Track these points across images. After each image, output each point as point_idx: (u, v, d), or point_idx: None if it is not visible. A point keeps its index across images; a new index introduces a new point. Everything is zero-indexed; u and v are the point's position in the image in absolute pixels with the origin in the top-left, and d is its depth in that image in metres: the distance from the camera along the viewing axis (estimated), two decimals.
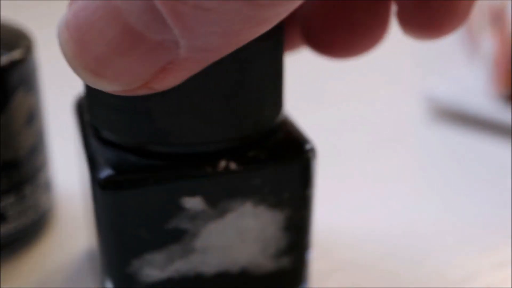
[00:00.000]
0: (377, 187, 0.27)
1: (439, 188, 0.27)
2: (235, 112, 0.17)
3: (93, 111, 0.18)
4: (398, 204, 0.26)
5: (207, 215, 0.18)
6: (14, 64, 0.21)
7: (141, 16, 0.11)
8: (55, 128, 0.31)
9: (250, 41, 0.13)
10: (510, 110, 0.31)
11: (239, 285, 0.19)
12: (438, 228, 0.25)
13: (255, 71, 0.17)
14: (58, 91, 0.35)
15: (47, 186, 0.24)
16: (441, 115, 0.33)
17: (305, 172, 0.18)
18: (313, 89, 0.36)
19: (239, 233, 0.18)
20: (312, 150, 0.18)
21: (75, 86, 0.35)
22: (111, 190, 0.17)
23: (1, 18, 0.44)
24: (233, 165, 0.17)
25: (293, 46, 0.20)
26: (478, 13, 0.36)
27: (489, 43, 0.33)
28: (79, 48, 0.12)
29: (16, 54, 0.21)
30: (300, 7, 0.19)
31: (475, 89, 0.33)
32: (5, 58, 0.21)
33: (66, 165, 0.28)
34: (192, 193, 0.17)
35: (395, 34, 0.43)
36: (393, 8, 0.18)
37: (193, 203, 0.17)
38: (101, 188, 0.17)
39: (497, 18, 0.33)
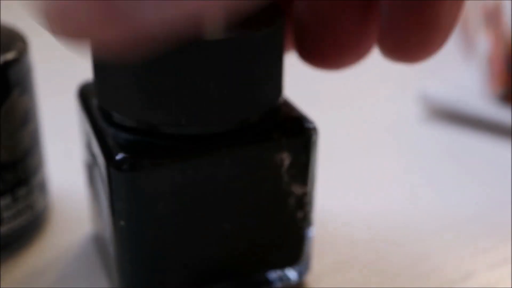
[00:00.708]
0: (373, 186, 0.27)
1: (436, 187, 0.27)
2: (244, 93, 0.17)
3: (104, 95, 0.18)
4: (394, 203, 0.26)
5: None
6: (8, 65, 0.21)
7: None
8: (51, 129, 0.31)
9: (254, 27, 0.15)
10: (506, 110, 0.31)
11: (245, 253, 0.20)
12: (434, 227, 0.25)
13: (261, 55, 0.17)
14: (53, 92, 0.35)
15: (42, 187, 0.24)
16: (436, 115, 0.33)
17: (308, 149, 0.19)
18: (310, 88, 0.36)
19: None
20: (314, 129, 0.19)
21: (70, 88, 0.35)
22: (128, 172, 0.17)
23: None
24: (244, 144, 0.18)
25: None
26: (473, 13, 0.36)
27: (484, 43, 0.33)
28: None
29: (10, 55, 0.21)
30: (292, 13, 0.19)
31: (470, 89, 0.33)
32: (0, 59, 0.21)
33: (61, 166, 0.28)
34: (207, 173, 0.18)
35: None
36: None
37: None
38: (117, 169, 0.17)
39: (492, 18, 0.33)
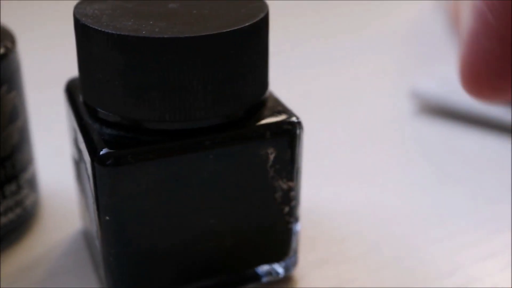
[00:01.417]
0: (365, 182, 0.27)
1: (428, 182, 0.27)
2: (228, 88, 0.17)
3: (88, 91, 0.18)
4: (386, 198, 0.26)
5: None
6: None
7: None
8: (39, 125, 0.31)
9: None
10: (497, 105, 0.31)
11: (231, 249, 0.20)
12: (422, 221, 0.25)
13: (244, 50, 0.17)
14: (42, 88, 0.35)
15: (32, 184, 0.24)
16: (428, 111, 0.33)
17: (293, 144, 0.19)
18: (301, 85, 0.36)
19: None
20: (298, 123, 0.19)
21: (59, 84, 0.35)
22: (112, 167, 0.17)
23: None
24: (228, 139, 0.18)
25: None
26: (466, 8, 0.36)
27: None
28: None
29: None
30: None
31: None
32: None
33: (50, 162, 0.28)
34: (191, 168, 0.18)
35: (382, 31, 0.43)
36: None
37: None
38: (101, 165, 0.17)
39: None
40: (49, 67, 0.38)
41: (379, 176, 0.28)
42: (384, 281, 0.22)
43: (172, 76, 0.17)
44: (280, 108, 0.20)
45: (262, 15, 0.18)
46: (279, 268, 0.21)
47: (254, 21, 0.17)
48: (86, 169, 0.18)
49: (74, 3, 0.19)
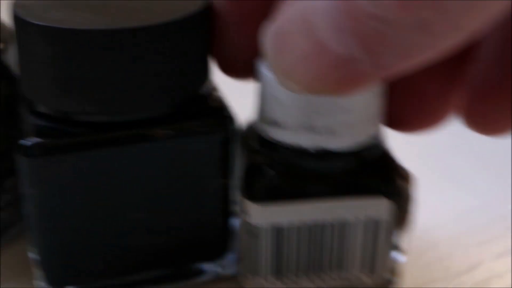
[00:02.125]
0: None
1: (441, 178, 0.27)
2: (153, 82, 0.17)
3: (25, 83, 0.18)
4: None
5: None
6: None
7: (331, 32, 0.12)
8: None
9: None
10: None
11: (166, 244, 0.19)
12: (440, 218, 0.24)
13: (179, 45, 0.17)
14: None
15: None
16: None
17: (226, 141, 0.18)
18: None
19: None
20: (231, 119, 0.18)
21: None
22: (36, 158, 0.17)
23: None
24: (157, 133, 0.18)
25: None
26: None
27: None
28: (277, 54, 0.14)
29: None
30: None
31: None
32: None
33: None
34: (117, 161, 0.18)
35: None
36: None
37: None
38: (26, 155, 0.17)
39: None
40: None
41: None
42: (403, 277, 0.21)
43: (96, 69, 0.16)
44: (216, 104, 0.19)
45: (197, 10, 0.17)
46: (217, 267, 0.20)
47: (185, 15, 0.17)
48: (16, 159, 0.18)
49: None
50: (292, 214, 0.18)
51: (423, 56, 0.12)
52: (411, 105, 0.19)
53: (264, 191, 0.18)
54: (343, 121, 0.17)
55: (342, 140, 0.18)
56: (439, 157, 0.29)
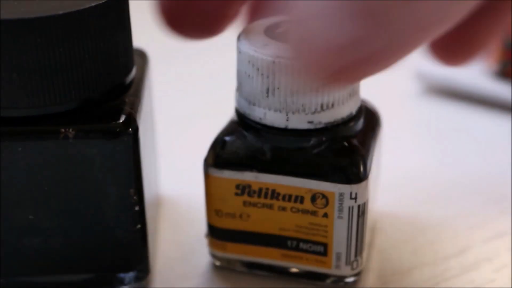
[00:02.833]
0: None
1: (432, 163, 0.27)
2: (36, 78, 0.16)
3: None
4: (389, 179, 0.26)
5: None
6: None
7: (343, 15, 0.12)
8: None
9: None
10: (502, 85, 0.31)
11: (63, 250, 0.18)
12: (429, 201, 0.25)
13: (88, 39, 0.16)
14: None
15: None
16: (433, 91, 0.33)
17: (125, 148, 0.17)
18: None
19: None
20: (127, 125, 0.17)
21: None
22: None
23: None
24: (39, 133, 0.17)
25: None
26: None
27: None
28: (303, 46, 0.13)
29: None
30: None
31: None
32: None
33: None
34: (5, 159, 0.17)
35: None
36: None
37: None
38: None
39: None
40: None
41: (385, 157, 0.28)
42: (391, 261, 0.22)
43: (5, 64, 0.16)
44: (119, 107, 0.17)
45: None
46: (127, 277, 0.19)
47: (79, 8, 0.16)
48: None
49: None
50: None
51: (442, 27, 0.12)
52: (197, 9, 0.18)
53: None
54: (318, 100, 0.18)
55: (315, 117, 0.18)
56: (430, 140, 0.29)
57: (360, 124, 0.19)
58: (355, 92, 0.19)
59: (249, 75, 0.18)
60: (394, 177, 0.26)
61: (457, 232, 0.23)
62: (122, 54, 0.18)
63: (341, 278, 0.20)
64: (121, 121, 0.17)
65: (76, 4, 0.16)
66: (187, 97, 0.32)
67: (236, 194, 0.19)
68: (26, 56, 0.16)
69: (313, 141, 0.18)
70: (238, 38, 0.18)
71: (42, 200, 0.18)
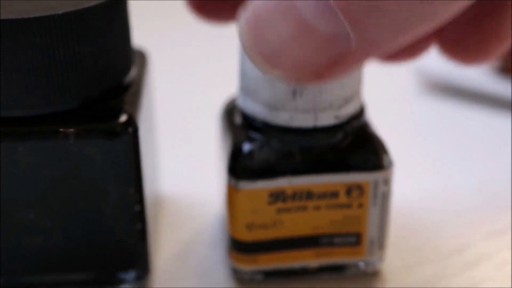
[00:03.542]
0: None
1: (432, 160, 0.27)
2: (32, 78, 0.16)
3: None
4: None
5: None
6: None
7: (315, 12, 0.12)
8: None
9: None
10: (504, 82, 0.31)
11: (66, 249, 0.18)
12: (430, 199, 0.25)
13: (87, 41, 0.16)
14: None
15: None
16: (433, 88, 0.33)
17: (125, 148, 0.17)
18: None
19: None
20: (128, 125, 0.17)
21: None
22: None
23: None
24: (38, 132, 0.17)
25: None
26: None
27: None
28: (256, 40, 0.13)
29: None
30: None
31: None
32: None
33: None
34: (5, 158, 0.17)
35: None
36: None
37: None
38: None
39: None
40: None
41: None
42: (392, 260, 0.22)
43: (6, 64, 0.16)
44: (119, 106, 0.17)
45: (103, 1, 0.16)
46: (127, 277, 0.19)
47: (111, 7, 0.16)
48: None
49: None
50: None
51: (419, 30, 0.12)
52: None
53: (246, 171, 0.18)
54: (324, 99, 0.18)
55: (323, 117, 0.18)
56: (430, 137, 0.29)
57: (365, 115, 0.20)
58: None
59: (269, 81, 0.17)
60: (394, 175, 0.26)
61: (457, 229, 0.23)
62: (122, 54, 0.18)
63: (370, 264, 0.20)
64: (121, 120, 0.17)
65: (76, 4, 0.16)
66: (187, 96, 0.32)
67: (269, 203, 0.19)
68: (26, 56, 0.16)
69: (339, 135, 0.18)
70: None
71: (42, 200, 0.17)
